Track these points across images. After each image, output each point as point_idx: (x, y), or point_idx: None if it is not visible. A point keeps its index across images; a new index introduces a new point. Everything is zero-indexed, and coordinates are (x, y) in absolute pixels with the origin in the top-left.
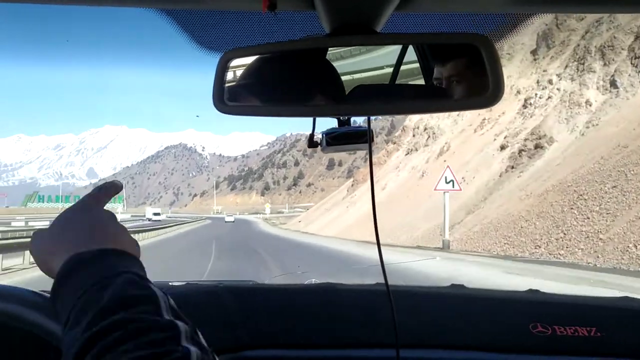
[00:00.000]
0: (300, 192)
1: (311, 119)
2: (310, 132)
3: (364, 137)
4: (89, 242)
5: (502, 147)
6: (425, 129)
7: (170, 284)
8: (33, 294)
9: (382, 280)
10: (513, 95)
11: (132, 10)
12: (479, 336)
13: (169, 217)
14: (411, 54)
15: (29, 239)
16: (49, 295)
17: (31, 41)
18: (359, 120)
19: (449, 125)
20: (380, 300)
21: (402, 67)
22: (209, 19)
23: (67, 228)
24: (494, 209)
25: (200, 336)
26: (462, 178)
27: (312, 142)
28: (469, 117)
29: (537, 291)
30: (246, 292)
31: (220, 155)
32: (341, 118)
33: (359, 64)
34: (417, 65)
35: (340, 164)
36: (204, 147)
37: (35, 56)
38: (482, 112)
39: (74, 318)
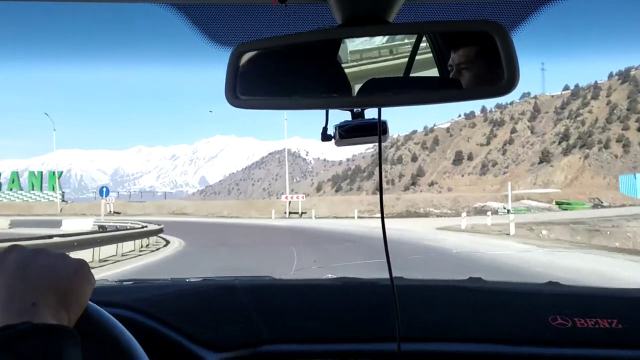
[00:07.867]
0: (421, 192)
1: (324, 112)
2: (324, 125)
3: (376, 130)
4: (22, 299)
5: None
6: None
7: (187, 280)
8: None
9: (403, 275)
10: None
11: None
12: (497, 329)
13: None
14: (425, 44)
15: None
16: None
17: (147, 60)
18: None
19: None
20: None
21: (417, 58)
22: (220, 13)
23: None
24: None
25: None
26: None
27: (325, 136)
28: None
29: (556, 283)
30: (263, 288)
31: (324, 160)
32: (354, 110)
33: (372, 55)
34: (430, 56)
35: (470, 158)
36: (307, 152)
37: (149, 71)
38: None
39: None
